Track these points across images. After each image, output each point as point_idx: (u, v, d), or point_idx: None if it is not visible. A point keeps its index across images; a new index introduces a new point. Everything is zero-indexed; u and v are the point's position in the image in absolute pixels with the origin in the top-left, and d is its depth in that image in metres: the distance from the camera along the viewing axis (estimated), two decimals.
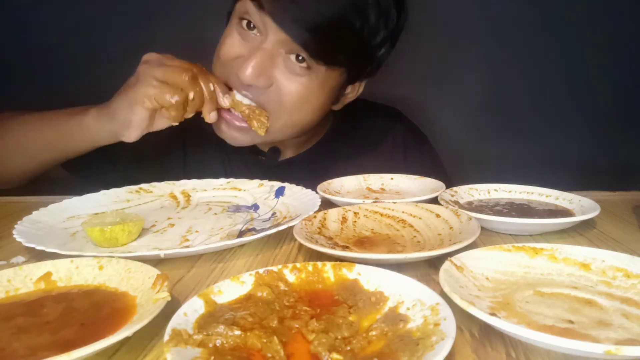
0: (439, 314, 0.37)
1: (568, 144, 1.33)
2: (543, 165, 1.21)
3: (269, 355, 0.35)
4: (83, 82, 1.26)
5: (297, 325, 0.39)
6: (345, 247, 0.57)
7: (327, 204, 0.73)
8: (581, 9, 1.26)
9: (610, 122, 1.34)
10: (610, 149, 1.34)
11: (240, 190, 0.85)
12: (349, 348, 0.36)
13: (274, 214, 0.74)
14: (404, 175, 0.88)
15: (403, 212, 0.67)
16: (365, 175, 0.89)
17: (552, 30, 1.28)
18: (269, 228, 0.63)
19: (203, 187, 0.87)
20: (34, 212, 0.69)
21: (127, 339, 0.37)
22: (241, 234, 0.65)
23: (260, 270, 0.46)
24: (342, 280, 0.46)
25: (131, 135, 0.75)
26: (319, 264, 0.47)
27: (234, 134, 0.82)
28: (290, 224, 0.62)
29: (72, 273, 0.49)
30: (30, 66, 1.32)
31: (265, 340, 0.36)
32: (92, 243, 0.62)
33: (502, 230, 0.65)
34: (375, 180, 0.88)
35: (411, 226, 0.64)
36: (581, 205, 0.69)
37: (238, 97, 0.79)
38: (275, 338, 0.36)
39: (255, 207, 0.78)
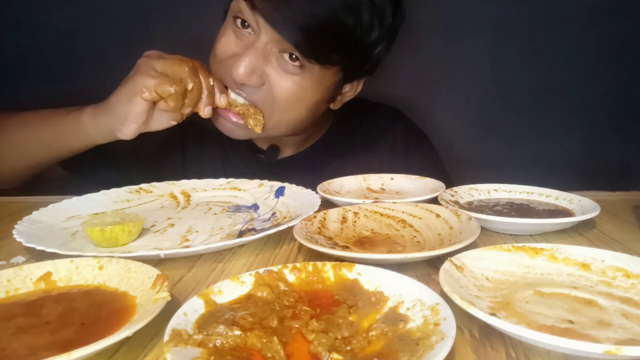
0: (439, 314, 0.37)
1: (568, 144, 1.32)
2: (543, 165, 1.21)
3: (269, 355, 0.35)
4: (83, 82, 1.26)
5: (297, 325, 0.39)
6: (345, 247, 0.57)
7: (327, 204, 0.73)
8: (581, 8, 1.26)
9: (610, 122, 1.34)
10: (610, 149, 1.33)
11: (240, 190, 0.85)
12: (349, 348, 0.36)
13: (274, 214, 0.74)
14: (404, 175, 0.88)
15: (403, 212, 0.67)
16: (365, 175, 0.89)
17: (552, 30, 1.28)
18: (269, 228, 0.63)
19: (203, 187, 0.87)
20: (34, 212, 0.69)
21: (127, 339, 0.37)
22: (241, 234, 0.65)
23: (260, 270, 0.46)
24: (342, 280, 0.46)
25: (128, 130, 0.74)
26: (319, 264, 0.47)
27: (231, 127, 0.83)
28: (290, 224, 0.62)
29: (72, 273, 0.49)
30: (29, 66, 1.32)
31: (265, 340, 0.36)
32: (92, 243, 0.62)
33: (502, 230, 0.65)
34: (375, 180, 0.88)
35: (411, 226, 0.64)
36: (581, 205, 0.69)
37: (232, 95, 0.79)
38: (275, 338, 0.36)
39: (255, 207, 0.78)
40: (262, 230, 0.62)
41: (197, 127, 0.85)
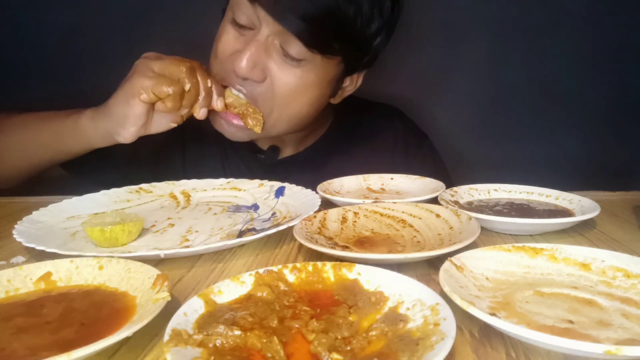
0: (439, 314, 0.37)
1: (568, 144, 1.32)
2: (543, 165, 1.21)
3: (269, 355, 0.35)
4: (83, 82, 1.26)
5: (297, 325, 0.39)
6: (345, 247, 0.57)
7: (327, 204, 0.73)
8: (581, 8, 1.26)
9: (610, 122, 1.34)
10: (610, 149, 1.33)
11: (240, 190, 0.85)
12: (349, 348, 0.36)
13: (274, 214, 0.74)
14: (404, 175, 0.88)
15: (403, 212, 0.67)
16: (365, 175, 0.89)
17: (552, 30, 1.28)
18: (269, 228, 0.63)
19: (203, 187, 0.87)
20: (34, 212, 0.69)
21: (127, 339, 0.37)
22: (241, 234, 0.65)
23: (260, 270, 0.46)
24: (342, 280, 0.46)
25: (127, 133, 0.74)
26: (319, 264, 0.47)
27: (232, 130, 0.83)
28: (290, 224, 0.62)
29: (72, 273, 0.49)
30: (30, 66, 1.32)
31: (265, 340, 0.36)
32: (92, 243, 0.62)
33: (502, 230, 0.65)
34: (375, 180, 0.88)
35: (411, 226, 0.64)
36: (581, 205, 0.69)
37: (234, 92, 0.79)
38: (275, 338, 0.36)
39: (255, 207, 0.78)
40: (262, 230, 0.62)
41: (197, 127, 0.84)
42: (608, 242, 0.62)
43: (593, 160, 1.32)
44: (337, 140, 1.00)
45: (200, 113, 0.76)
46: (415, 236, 0.61)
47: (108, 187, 0.81)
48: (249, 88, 0.78)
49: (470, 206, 0.72)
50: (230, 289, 0.44)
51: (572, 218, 0.63)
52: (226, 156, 0.99)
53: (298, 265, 0.47)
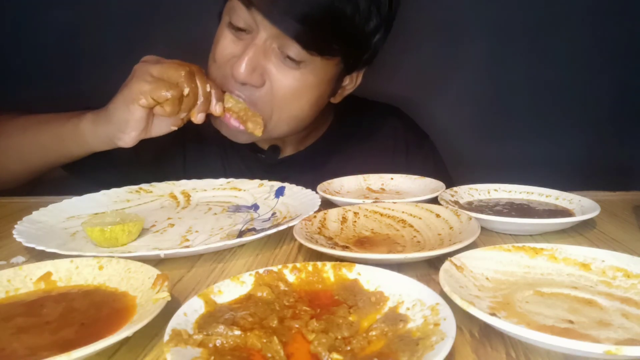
0: (439, 314, 0.37)
1: (568, 144, 1.32)
2: (543, 165, 1.21)
3: (269, 355, 0.35)
4: (83, 82, 1.26)
5: (297, 325, 0.39)
6: (345, 247, 0.57)
7: (327, 204, 0.73)
8: (581, 8, 1.26)
9: (610, 122, 1.34)
10: (610, 149, 1.34)
11: (240, 190, 0.85)
12: (349, 348, 0.36)
13: (274, 214, 0.74)
14: (404, 175, 0.88)
15: (403, 212, 0.67)
16: (365, 175, 0.89)
17: (553, 30, 1.28)
18: (269, 228, 0.63)
19: (203, 187, 0.87)
20: (34, 212, 0.69)
21: (127, 339, 0.37)
22: (241, 234, 0.65)
23: (260, 270, 0.46)
24: (342, 280, 0.46)
25: (127, 138, 0.73)
26: (319, 264, 0.47)
27: (232, 132, 0.82)
28: (290, 224, 0.62)
29: (72, 273, 0.49)
30: (30, 66, 1.32)
31: (265, 340, 0.36)
32: (92, 243, 0.62)
33: (502, 230, 0.65)
34: (375, 180, 0.88)
35: (411, 226, 0.64)
36: (581, 205, 0.69)
37: (231, 101, 0.78)
38: (275, 338, 0.36)
39: (255, 207, 0.78)
40: (262, 230, 0.62)
41: (197, 127, 0.84)
42: (608, 242, 0.62)
43: (593, 160, 1.32)
44: (337, 139, 0.99)
45: (198, 117, 0.75)
46: (415, 236, 0.61)
47: (108, 187, 0.81)
48: (248, 93, 0.78)
49: (470, 206, 0.72)
50: (230, 289, 0.44)
51: (572, 218, 0.63)
52: (226, 156, 0.99)
53: (298, 265, 0.47)
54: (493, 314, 0.38)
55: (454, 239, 0.56)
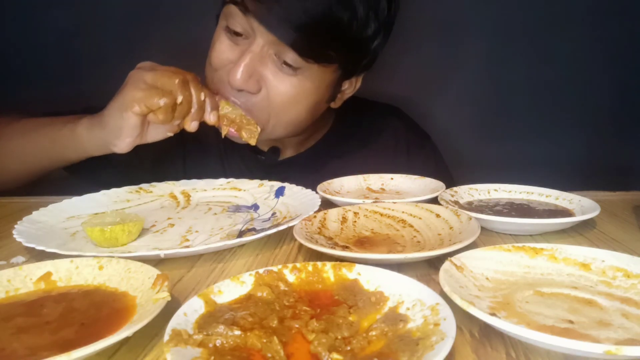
0: (439, 314, 0.37)
1: (568, 144, 1.32)
2: (543, 165, 1.21)
3: (269, 355, 0.35)
4: (83, 83, 1.26)
5: (297, 325, 0.39)
6: (345, 247, 0.57)
7: (327, 204, 0.73)
8: (581, 9, 1.26)
9: (610, 122, 1.34)
10: (610, 149, 1.34)
11: (240, 190, 0.85)
12: (349, 348, 0.36)
13: (274, 214, 0.74)
14: (404, 175, 0.88)
15: (403, 212, 0.67)
16: (365, 175, 0.89)
17: (553, 30, 1.28)
18: (269, 228, 0.63)
19: (203, 187, 0.87)
20: (34, 212, 0.69)
21: (127, 339, 0.37)
22: (241, 234, 0.65)
23: (260, 270, 0.46)
24: (342, 280, 0.46)
25: (122, 144, 0.73)
26: (319, 264, 0.47)
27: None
28: (290, 224, 0.62)
29: (72, 273, 0.49)
30: (30, 66, 1.32)
31: (265, 340, 0.36)
32: (92, 243, 0.62)
33: (502, 230, 0.65)
34: (375, 180, 0.88)
35: (411, 226, 0.64)
36: (581, 205, 0.69)
37: (227, 107, 0.77)
38: (275, 338, 0.36)
39: (255, 207, 0.78)
40: (262, 230, 0.62)
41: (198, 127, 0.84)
42: (608, 242, 0.62)
43: (593, 160, 1.32)
44: (338, 140, 0.99)
45: (191, 126, 0.74)
46: (415, 236, 0.61)
47: (108, 187, 0.81)
48: (244, 99, 0.78)
49: (470, 206, 0.72)
50: (230, 289, 0.44)
51: (572, 218, 0.63)
52: (226, 157, 0.98)
53: (298, 265, 0.47)
54: (493, 314, 0.38)
55: (454, 239, 0.56)
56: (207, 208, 0.79)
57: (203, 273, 0.55)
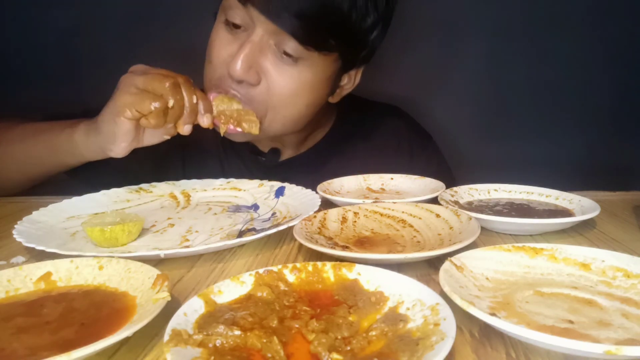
0: (439, 314, 0.37)
1: (568, 144, 1.33)
2: (543, 165, 1.21)
3: (269, 355, 0.35)
4: (83, 83, 1.26)
5: (297, 325, 0.39)
6: (345, 247, 0.57)
7: (327, 204, 0.73)
8: (581, 9, 1.26)
9: (610, 122, 1.34)
10: (610, 149, 1.34)
11: (240, 190, 0.85)
12: (349, 348, 0.36)
13: (274, 214, 0.74)
14: (404, 175, 0.88)
15: (403, 212, 0.67)
16: (365, 175, 0.89)
17: (553, 30, 1.28)
18: (269, 228, 0.63)
19: (203, 187, 0.87)
20: (34, 212, 0.69)
21: (127, 339, 0.37)
22: (241, 234, 0.65)
23: (260, 270, 0.46)
24: (342, 280, 0.46)
25: (117, 149, 0.72)
26: (319, 264, 0.47)
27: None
28: (290, 224, 0.62)
29: (72, 273, 0.49)
30: (30, 66, 1.32)
31: (265, 340, 0.36)
32: (92, 243, 0.62)
33: (502, 230, 0.65)
34: (375, 180, 0.88)
35: (411, 226, 0.64)
36: (581, 205, 0.69)
37: (223, 104, 0.77)
38: (275, 338, 0.36)
39: (255, 207, 0.78)
40: (262, 230, 0.62)
41: (197, 128, 0.84)
42: (608, 242, 0.62)
43: (593, 160, 1.32)
44: (338, 141, 0.99)
45: (184, 129, 0.73)
46: (415, 236, 0.61)
47: (108, 187, 0.81)
48: (244, 91, 0.77)
49: (470, 206, 0.72)
50: (230, 289, 0.44)
51: (572, 218, 0.63)
52: (226, 157, 0.98)
53: (298, 265, 0.47)
54: (493, 314, 0.38)
55: (454, 239, 0.56)
56: (207, 208, 0.79)
57: (203, 273, 0.55)
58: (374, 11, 0.77)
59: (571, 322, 0.40)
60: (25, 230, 0.62)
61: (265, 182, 0.85)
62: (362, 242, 0.60)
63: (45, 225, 0.66)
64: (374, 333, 0.38)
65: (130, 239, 0.63)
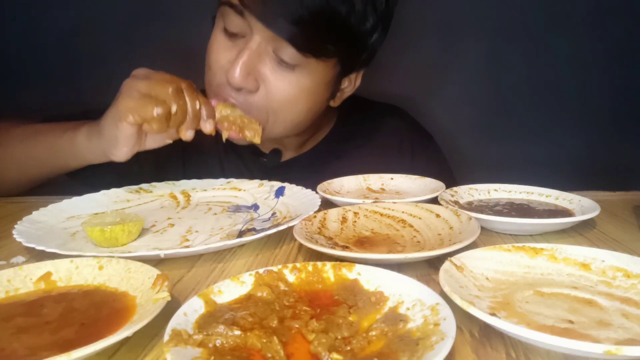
0: (439, 314, 0.37)
1: (568, 144, 1.33)
2: (543, 165, 1.21)
3: (269, 355, 0.35)
4: (83, 83, 1.26)
5: (297, 325, 0.39)
6: (345, 247, 0.57)
7: (327, 204, 0.73)
8: (581, 9, 1.26)
9: (610, 122, 1.34)
10: (610, 149, 1.34)
11: (240, 190, 0.85)
12: (349, 348, 0.36)
13: (274, 214, 0.74)
14: (404, 175, 0.88)
15: (403, 212, 0.67)
16: (365, 175, 0.89)
17: (553, 30, 1.28)
18: (269, 228, 0.63)
19: (203, 187, 0.87)
20: (34, 212, 0.69)
21: (127, 339, 0.37)
22: (241, 234, 0.65)
23: (260, 270, 0.46)
24: (342, 280, 0.46)
25: (120, 153, 0.71)
26: (319, 264, 0.47)
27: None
28: (290, 224, 0.62)
29: (72, 273, 0.49)
30: (30, 67, 1.32)
31: (265, 340, 0.36)
32: (92, 243, 0.62)
33: (502, 230, 0.65)
34: (375, 180, 0.88)
35: (411, 226, 0.64)
36: (581, 205, 0.69)
37: (226, 110, 0.77)
38: (275, 338, 0.36)
39: (255, 207, 0.78)
40: (262, 230, 0.62)
41: (197, 130, 0.84)
42: (608, 242, 0.62)
43: (593, 160, 1.32)
44: (339, 141, 0.99)
45: (187, 135, 0.72)
46: (415, 236, 0.61)
47: (108, 187, 0.81)
48: (242, 99, 0.77)
49: (470, 206, 0.72)
50: (230, 289, 0.44)
51: (572, 218, 0.63)
52: (226, 158, 0.98)
53: (298, 265, 0.47)
54: (493, 314, 0.38)
55: (454, 239, 0.56)
56: (207, 208, 0.79)
57: (203, 273, 0.55)
58: (373, 14, 0.76)
59: (571, 322, 0.40)
60: (25, 230, 0.62)
61: (265, 182, 0.85)
62: (362, 242, 0.60)
63: (45, 225, 0.66)
64: (374, 333, 0.38)
65: (130, 239, 0.63)
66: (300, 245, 0.58)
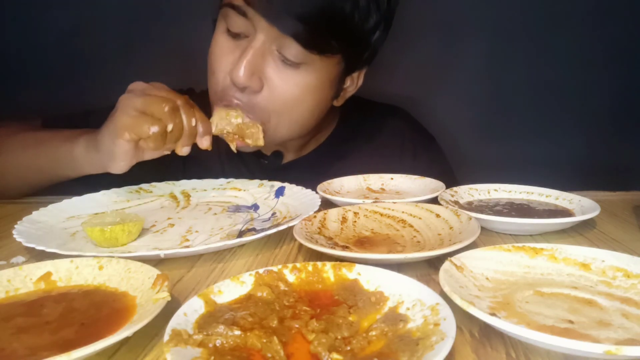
0: (439, 314, 0.37)
1: (568, 144, 1.33)
2: (543, 165, 1.21)
3: (269, 355, 0.35)
4: (83, 83, 1.26)
5: (297, 325, 0.39)
6: (345, 247, 0.57)
7: (327, 204, 0.73)
8: (581, 9, 1.26)
9: (610, 122, 1.34)
10: (610, 149, 1.34)
11: (240, 190, 0.85)
12: (349, 348, 0.36)
13: (274, 214, 0.74)
14: (404, 175, 0.88)
15: (403, 212, 0.67)
16: (365, 176, 0.88)
17: (553, 30, 1.28)
18: (269, 228, 0.63)
19: (203, 187, 0.87)
20: (34, 212, 0.69)
21: (127, 339, 0.37)
22: (241, 234, 0.65)
23: (260, 270, 0.46)
24: (342, 280, 0.46)
25: (117, 167, 0.71)
26: (319, 264, 0.47)
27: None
28: (290, 224, 0.62)
29: (72, 273, 0.49)
30: (30, 67, 1.32)
31: (265, 340, 0.36)
32: (92, 243, 0.62)
33: (502, 230, 0.65)
34: (375, 180, 0.88)
35: (411, 226, 0.64)
36: (581, 205, 0.69)
37: (223, 121, 0.76)
38: (275, 338, 0.36)
39: (255, 207, 0.78)
40: (262, 230, 0.62)
41: None
42: (608, 242, 0.62)
43: (593, 160, 1.32)
44: (341, 142, 0.98)
45: (183, 151, 0.72)
46: (415, 236, 0.61)
47: (108, 187, 0.81)
48: (246, 99, 0.76)
49: (470, 206, 0.72)
50: (230, 289, 0.44)
51: (572, 218, 0.63)
52: (227, 158, 0.98)
53: (298, 265, 0.47)
54: (493, 314, 0.38)
55: (454, 239, 0.56)
56: (207, 208, 0.79)
57: (203, 273, 0.55)
58: (376, 11, 0.76)
59: (571, 322, 0.40)
60: (25, 230, 0.62)
61: (265, 182, 0.85)
62: (362, 242, 0.60)
63: (45, 225, 0.66)
64: (374, 333, 0.38)
65: (130, 239, 0.63)
66: (300, 245, 0.58)
